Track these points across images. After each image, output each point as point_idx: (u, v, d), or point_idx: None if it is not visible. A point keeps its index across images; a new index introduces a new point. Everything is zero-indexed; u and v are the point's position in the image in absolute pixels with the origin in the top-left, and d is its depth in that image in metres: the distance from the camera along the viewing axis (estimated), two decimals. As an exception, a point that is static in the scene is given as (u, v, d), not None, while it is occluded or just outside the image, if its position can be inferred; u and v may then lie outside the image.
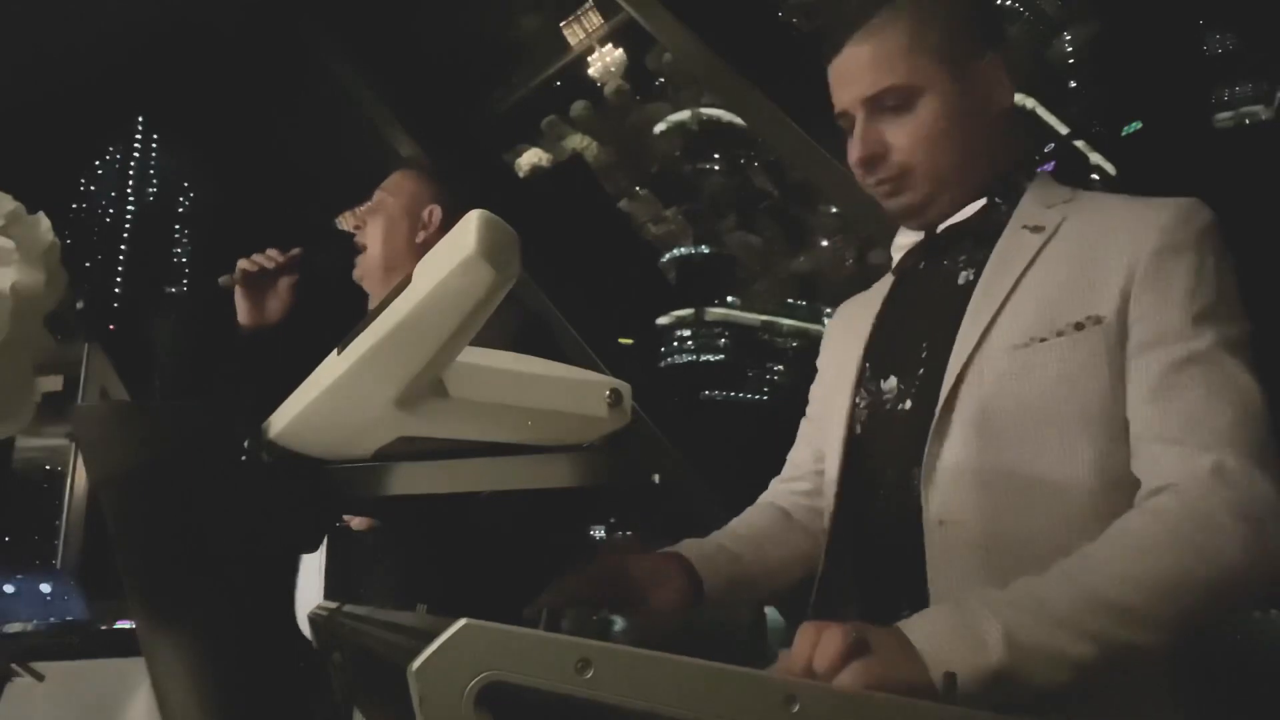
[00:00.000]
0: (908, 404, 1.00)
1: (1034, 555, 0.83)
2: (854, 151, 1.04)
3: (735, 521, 1.20)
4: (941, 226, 1.06)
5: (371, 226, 1.66)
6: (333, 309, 1.42)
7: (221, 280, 1.60)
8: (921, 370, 1.01)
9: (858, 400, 1.07)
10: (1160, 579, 0.78)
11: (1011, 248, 1.00)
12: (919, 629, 0.75)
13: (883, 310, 1.13)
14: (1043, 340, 0.93)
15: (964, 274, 1.03)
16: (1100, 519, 0.85)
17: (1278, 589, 0.84)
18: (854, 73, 1.03)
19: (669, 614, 1.00)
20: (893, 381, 1.03)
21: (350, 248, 1.67)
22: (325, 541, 1.28)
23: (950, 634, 0.74)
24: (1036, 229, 0.99)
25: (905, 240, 1.12)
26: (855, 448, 1.07)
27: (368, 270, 1.66)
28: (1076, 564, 0.80)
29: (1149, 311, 0.90)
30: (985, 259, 1.01)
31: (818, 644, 0.71)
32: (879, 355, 1.08)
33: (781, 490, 1.25)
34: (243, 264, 1.59)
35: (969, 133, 1.02)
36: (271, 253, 1.60)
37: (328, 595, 1.35)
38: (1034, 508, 0.91)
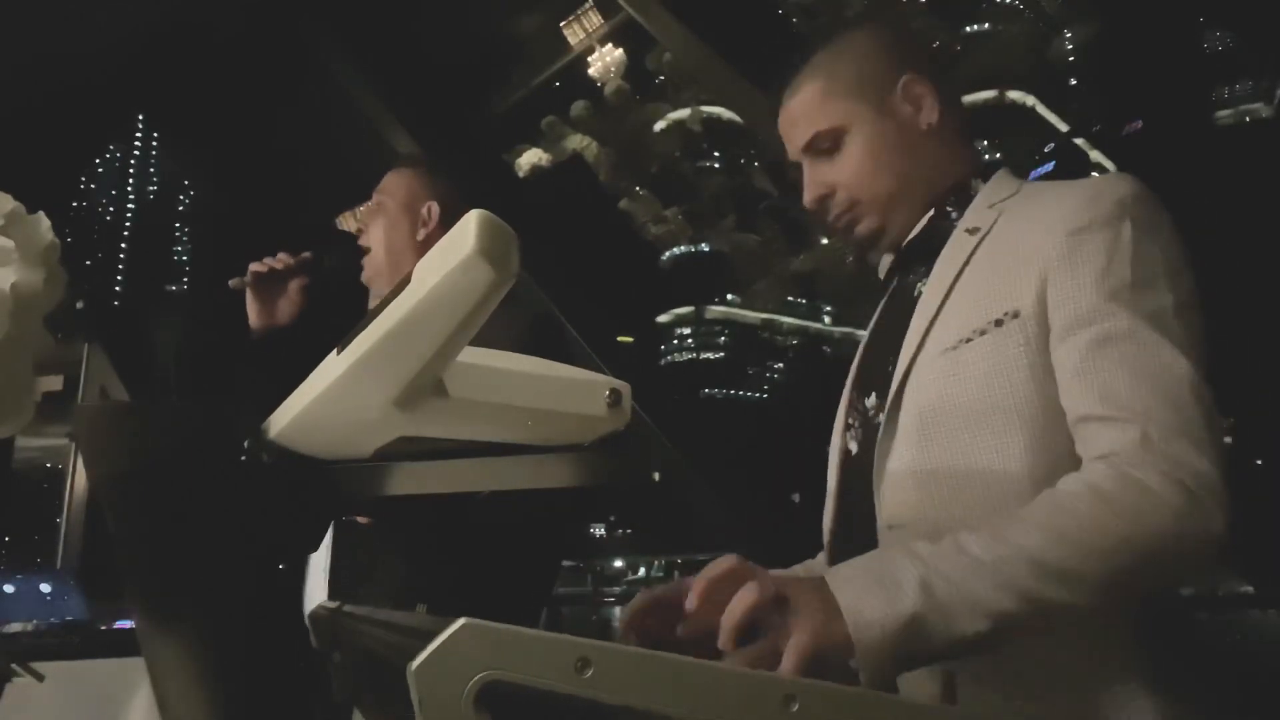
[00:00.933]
0: (882, 418, 1.02)
1: None
2: (805, 197, 1.11)
3: None
4: (904, 244, 1.10)
5: (373, 228, 1.67)
6: (342, 311, 1.42)
7: (232, 283, 1.61)
8: (891, 385, 1.03)
9: (851, 420, 1.10)
10: (1086, 538, 0.79)
11: (951, 253, 1.03)
12: (840, 577, 0.77)
13: (869, 332, 1.17)
14: (968, 341, 0.95)
15: (919, 286, 1.06)
16: None
17: (1206, 564, 0.83)
18: (788, 128, 1.13)
19: None
20: (873, 398, 1.06)
21: (358, 250, 1.68)
22: (330, 540, 1.28)
23: (867, 581, 0.76)
24: (974, 231, 1.02)
25: (885, 259, 1.17)
26: (850, 466, 1.09)
27: (374, 271, 1.67)
28: (1005, 520, 0.81)
29: (1064, 296, 0.91)
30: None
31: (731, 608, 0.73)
32: (862, 375, 1.12)
33: None
34: (253, 267, 1.60)
35: (904, 154, 1.08)
36: (282, 255, 1.60)
37: (333, 594, 1.35)
38: (973, 508, 0.91)
